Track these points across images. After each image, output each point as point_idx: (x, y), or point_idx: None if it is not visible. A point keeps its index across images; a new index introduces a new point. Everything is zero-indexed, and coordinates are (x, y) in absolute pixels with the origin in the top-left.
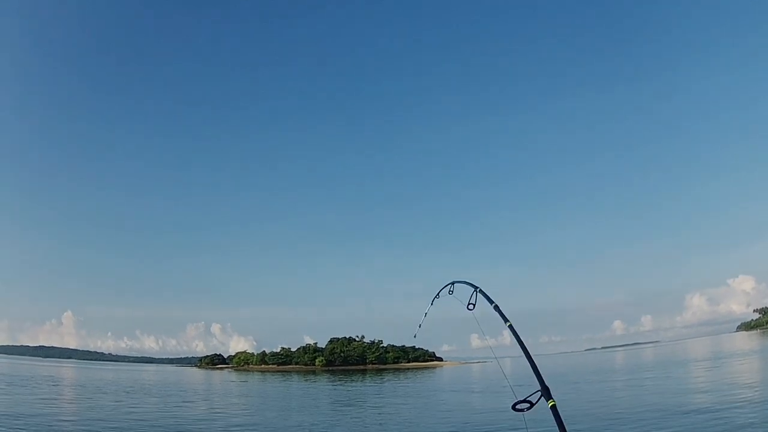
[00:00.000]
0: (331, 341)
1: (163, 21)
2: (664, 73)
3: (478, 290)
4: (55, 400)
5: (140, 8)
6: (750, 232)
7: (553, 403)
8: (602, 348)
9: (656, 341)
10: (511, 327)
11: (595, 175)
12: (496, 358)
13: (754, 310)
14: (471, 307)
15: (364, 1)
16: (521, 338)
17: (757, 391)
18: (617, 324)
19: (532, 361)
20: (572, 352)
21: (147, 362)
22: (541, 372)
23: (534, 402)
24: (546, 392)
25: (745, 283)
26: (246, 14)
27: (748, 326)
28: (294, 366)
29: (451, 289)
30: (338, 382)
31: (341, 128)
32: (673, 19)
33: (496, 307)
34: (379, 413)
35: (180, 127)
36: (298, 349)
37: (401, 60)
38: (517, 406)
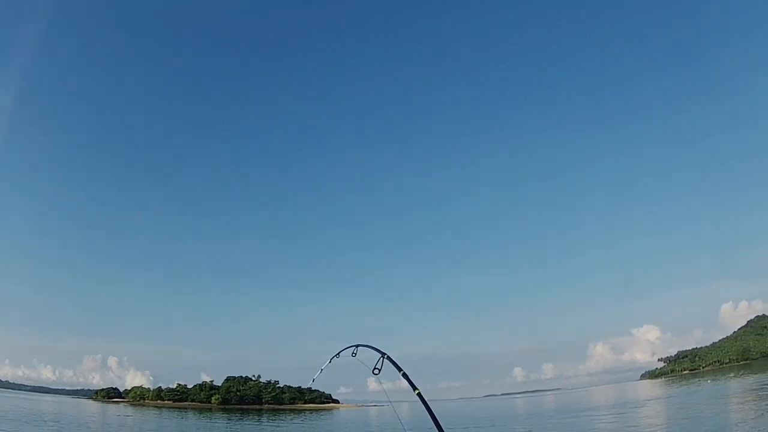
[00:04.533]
0: (227, 379)
1: None
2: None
3: (385, 357)
4: None
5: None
6: (655, 283)
7: None
8: (502, 394)
9: (558, 388)
10: (419, 395)
11: (505, 225)
12: (390, 402)
13: (658, 359)
14: (376, 372)
15: None
16: (427, 402)
17: None
18: (518, 371)
19: (441, 428)
20: (471, 398)
21: (43, 392)
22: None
23: None
24: None
25: (649, 333)
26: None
27: (652, 375)
28: (190, 403)
29: (355, 352)
30: (235, 422)
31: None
32: None
33: (405, 375)
34: None
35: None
36: (195, 386)
37: None
38: None
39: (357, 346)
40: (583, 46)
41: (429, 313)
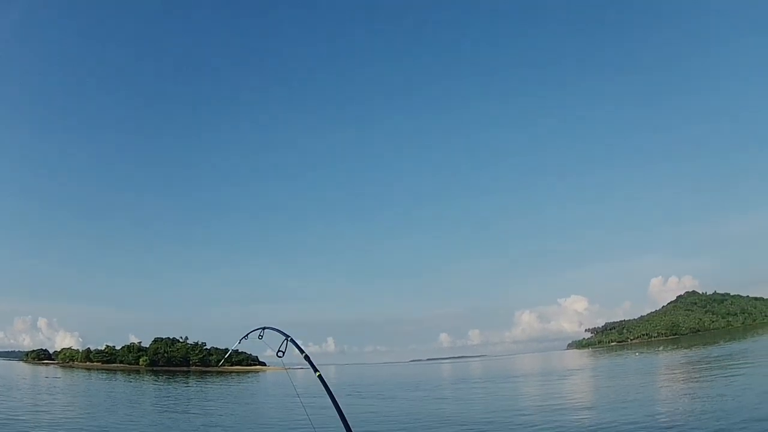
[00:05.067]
0: (155, 341)
1: None
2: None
3: (289, 339)
4: None
5: None
6: (584, 254)
7: None
8: (427, 360)
9: (483, 355)
10: (320, 377)
11: (440, 190)
12: (287, 370)
13: (586, 330)
14: (281, 354)
15: None
16: (328, 385)
17: (585, 407)
18: (444, 337)
19: (341, 411)
20: (397, 362)
21: None
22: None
23: None
24: None
25: (577, 303)
26: None
27: (579, 345)
28: (118, 365)
29: (261, 334)
30: (162, 383)
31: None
32: None
33: (307, 357)
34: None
35: None
36: (123, 347)
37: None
38: None
39: (263, 328)
40: None
41: (354, 278)
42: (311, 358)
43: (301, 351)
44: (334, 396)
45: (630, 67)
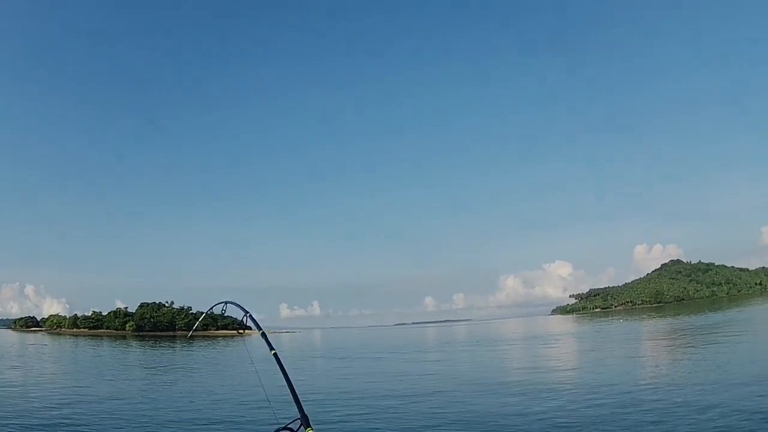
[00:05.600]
0: (141, 306)
1: None
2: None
3: (248, 315)
4: None
5: None
6: (568, 220)
7: (311, 431)
8: (412, 323)
9: (468, 319)
10: (275, 355)
11: (421, 147)
12: (263, 332)
13: (570, 296)
14: (241, 332)
15: None
16: (284, 367)
17: (569, 373)
18: (429, 300)
19: (293, 390)
20: (381, 326)
21: None
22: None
23: (295, 429)
24: (305, 420)
25: (561, 269)
26: None
27: (563, 310)
28: (105, 330)
29: (224, 309)
30: (149, 349)
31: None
32: None
33: (264, 335)
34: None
35: None
36: (109, 313)
37: None
38: None
39: (226, 303)
40: None
41: (336, 241)
42: (267, 336)
43: (259, 328)
44: (288, 374)
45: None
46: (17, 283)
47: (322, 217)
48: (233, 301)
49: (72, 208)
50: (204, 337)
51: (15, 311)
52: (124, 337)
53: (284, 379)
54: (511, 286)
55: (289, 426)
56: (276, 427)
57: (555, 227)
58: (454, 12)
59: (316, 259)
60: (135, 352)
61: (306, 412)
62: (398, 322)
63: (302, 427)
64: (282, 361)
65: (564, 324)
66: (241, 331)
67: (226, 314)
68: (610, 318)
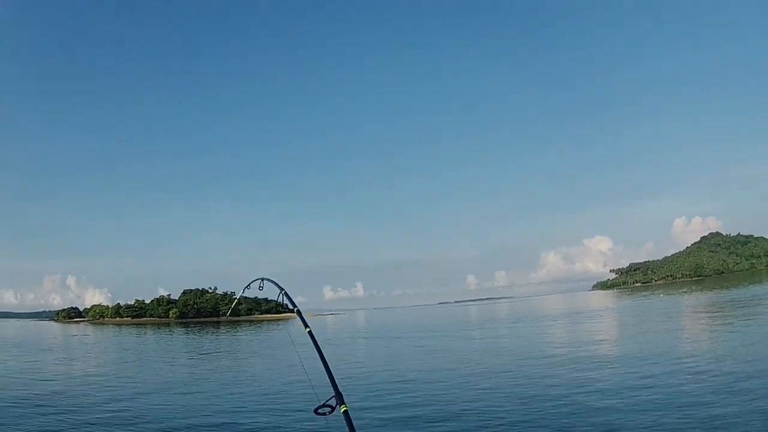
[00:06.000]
0: (184, 293)
1: None
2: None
3: (283, 292)
4: None
5: None
6: (608, 194)
7: (345, 408)
8: (455, 302)
9: (510, 296)
10: (310, 333)
11: (451, 127)
12: (298, 310)
13: (610, 270)
14: (281, 308)
15: None
16: (319, 345)
17: (614, 346)
18: (471, 279)
19: (328, 367)
20: (425, 305)
21: (5, 317)
22: (334, 378)
23: (334, 406)
24: (339, 398)
25: (601, 244)
26: None
27: (604, 285)
28: (148, 318)
29: (261, 285)
30: (193, 335)
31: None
32: None
33: (299, 312)
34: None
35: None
36: (152, 301)
37: None
38: (319, 411)
39: (263, 279)
40: None
41: (380, 222)
42: (303, 314)
43: (294, 305)
44: (323, 352)
45: None
46: (58, 275)
47: (365, 199)
48: (269, 278)
49: (109, 196)
50: (249, 321)
51: (57, 303)
52: (167, 325)
53: (319, 358)
54: (551, 262)
55: (327, 403)
56: (316, 405)
57: (594, 203)
58: None
59: (357, 239)
60: (179, 339)
61: (340, 390)
62: (441, 301)
63: (338, 405)
64: (317, 339)
65: (605, 299)
66: (282, 311)
67: (263, 294)
68: (650, 292)
